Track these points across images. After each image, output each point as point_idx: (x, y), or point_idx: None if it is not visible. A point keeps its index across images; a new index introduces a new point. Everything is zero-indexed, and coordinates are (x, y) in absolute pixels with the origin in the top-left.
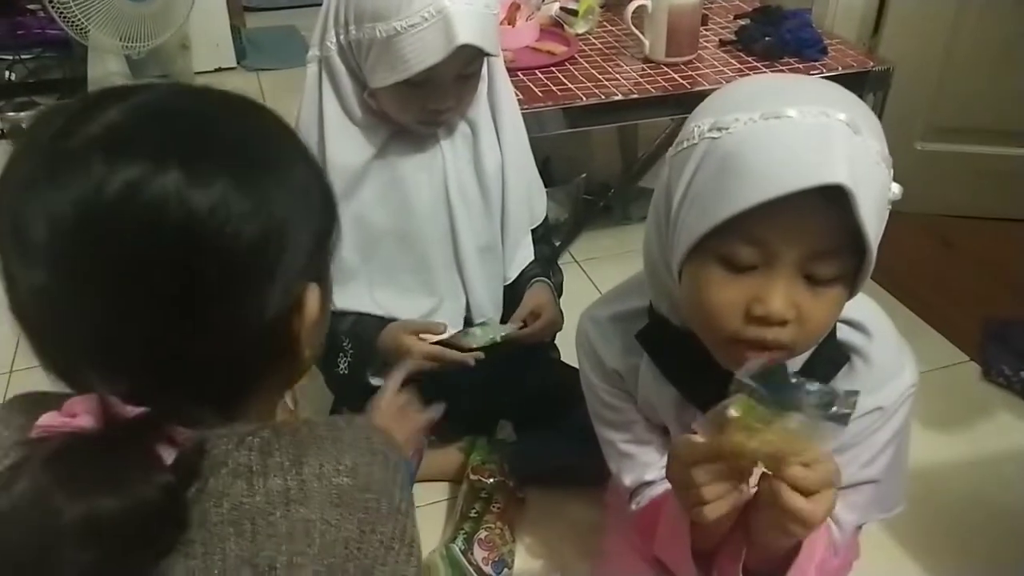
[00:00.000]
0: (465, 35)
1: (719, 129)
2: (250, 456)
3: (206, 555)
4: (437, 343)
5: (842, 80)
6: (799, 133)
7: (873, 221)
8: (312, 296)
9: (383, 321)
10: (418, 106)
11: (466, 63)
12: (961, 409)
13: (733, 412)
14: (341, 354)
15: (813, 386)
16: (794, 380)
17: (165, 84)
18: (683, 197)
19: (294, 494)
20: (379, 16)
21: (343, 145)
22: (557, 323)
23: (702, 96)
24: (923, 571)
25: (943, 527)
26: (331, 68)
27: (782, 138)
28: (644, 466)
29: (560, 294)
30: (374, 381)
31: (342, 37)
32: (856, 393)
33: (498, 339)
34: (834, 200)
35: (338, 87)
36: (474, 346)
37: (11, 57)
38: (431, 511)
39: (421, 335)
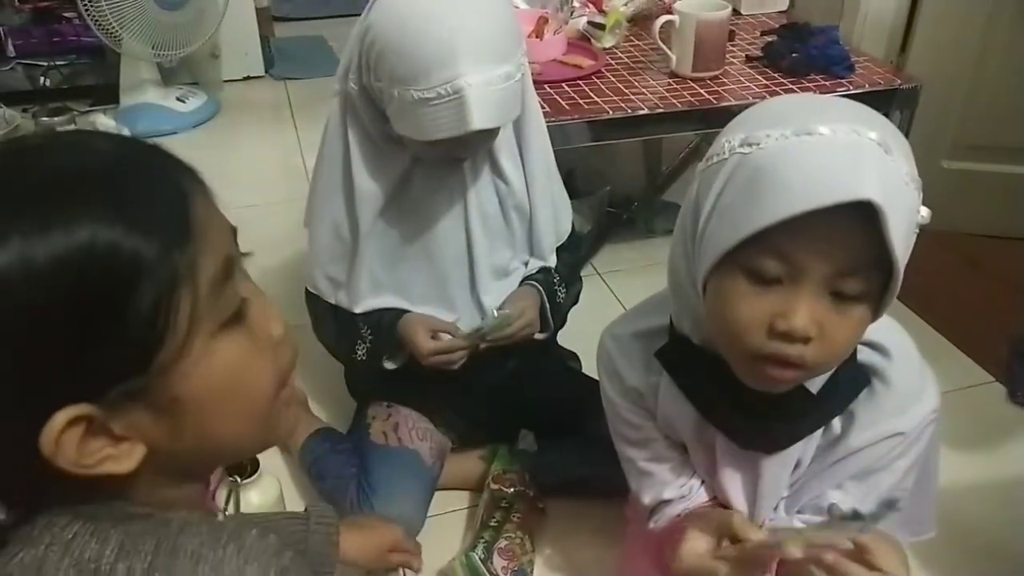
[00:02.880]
0: (480, 121)
1: (750, 144)
2: (103, 551)
3: None
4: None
5: (869, 97)
6: (831, 150)
7: (901, 241)
8: (59, 420)
9: (401, 311)
10: (440, 153)
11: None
12: (985, 430)
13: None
14: (360, 341)
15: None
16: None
17: None
18: (712, 210)
19: None
20: (398, 79)
21: (367, 170)
22: (533, 325)
23: (728, 111)
24: None
25: (966, 550)
26: (354, 103)
27: (814, 154)
28: (663, 484)
29: (575, 303)
30: (388, 365)
31: (364, 80)
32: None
33: (497, 325)
34: (863, 218)
35: (361, 119)
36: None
37: (46, 63)
38: (451, 519)
39: (436, 333)
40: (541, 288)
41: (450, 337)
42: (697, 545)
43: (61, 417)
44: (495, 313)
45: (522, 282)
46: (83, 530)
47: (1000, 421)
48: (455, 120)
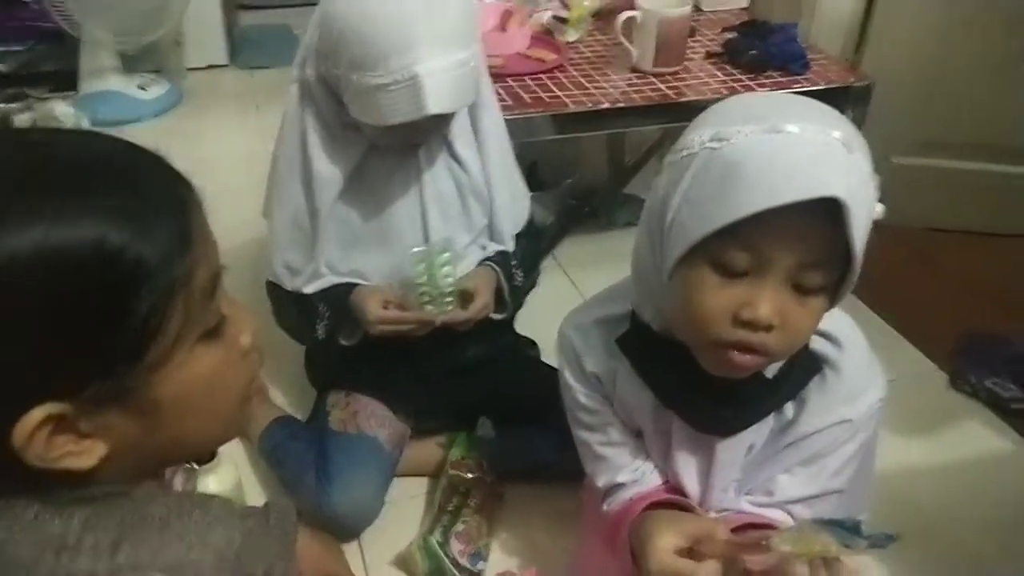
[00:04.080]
0: (435, 105)
1: (720, 140)
2: (68, 527)
3: None
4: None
5: (823, 94)
6: (800, 147)
7: (862, 235)
8: (35, 417)
9: (354, 284)
10: (396, 138)
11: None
12: (928, 417)
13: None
14: (319, 319)
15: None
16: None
17: None
18: (681, 203)
19: None
20: (356, 66)
21: (324, 156)
22: (488, 306)
23: (688, 106)
24: (885, 573)
25: (908, 531)
26: (311, 90)
27: (784, 151)
28: (617, 468)
29: (532, 287)
30: (344, 342)
31: (322, 68)
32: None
33: (448, 304)
34: (827, 214)
35: (318, 106)
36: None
37: (3, 48)
38: (410, 504)
39: (387, 303)
40: (498, 269)
41: (398, 309)
42: (667, 542)
43: (38, 413)
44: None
45: (479, 264)
46: (44, 510)
47: (942, 408)
48: (411, 105)
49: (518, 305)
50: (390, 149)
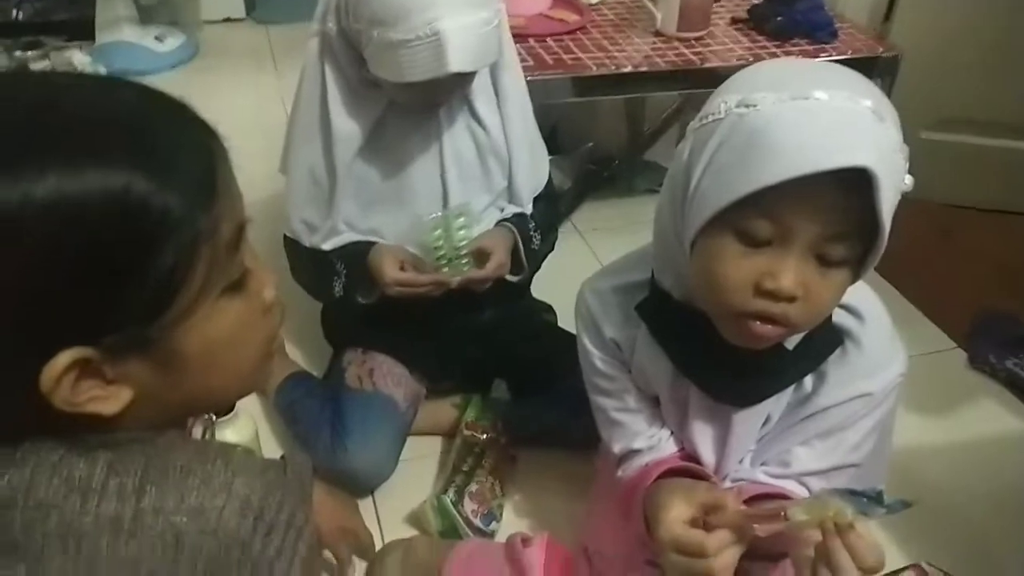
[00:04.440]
0: (457, 63)
1: (747, 106)
2: (93, 470)
3: (29, 573)
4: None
5: (851, 64)
6: (828, 115)
7: (889, 207)
8: (62, 361)
9: (373, 243)
10: (416, 97)
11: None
12: (945, 394)
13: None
14: (336, 277)
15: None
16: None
17: None
18: (705, 169)
19: (126, 524)
20: (377, 22)
21: (345, 112)
22: (504, 266)
23: (711, 72)
24: (899, 548)
25: (921, 506)
26: (331, 44)
27: (812, 119)
28: (633, 434)
29: (550, 250)
30: (361, 300)
31: (343, 23)
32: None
33: (464, 267)
34: (854, 184)
35: (338, 61)
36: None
37: None
38: (424, 463)
39: (404, 264)
40: (515, 230)
41: (414, 271)
42: (679, 513)
43: (65, 357)
44: (450, 212)
45: (496, 225)
46: (69, 453)
47: (959, 386)
48: (433, 62)
49: (535, 268)
50: (410, 109)
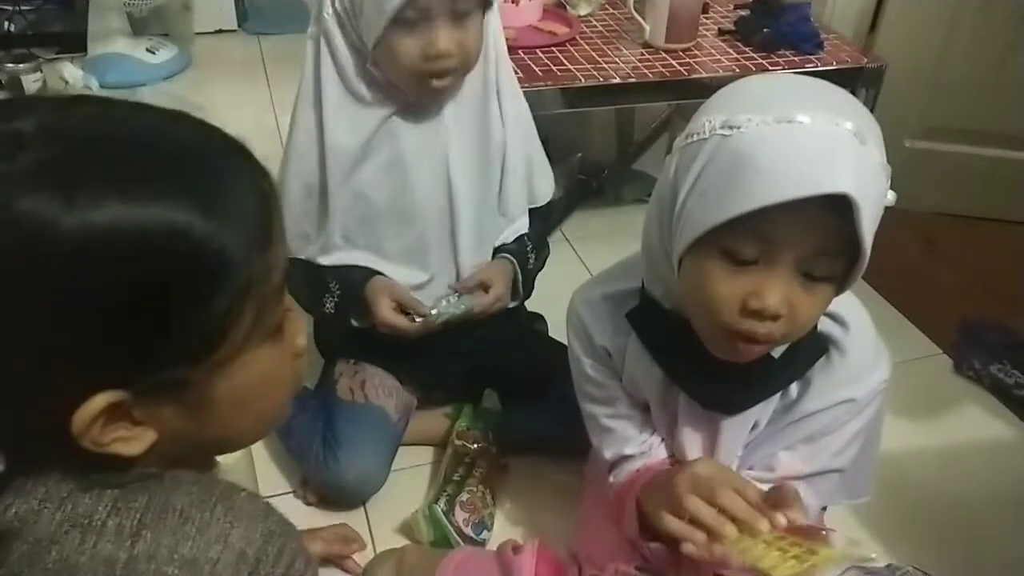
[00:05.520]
0: None
1: (731, 127)
2: (96, 506)
3: None
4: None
5: (836, 75)
6: (811, 140)
7: (870, 228)
8: (97, 404)
9: (372, 271)
10: (417, 54)
11: None
12: (931, 401)
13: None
14: (328, 295)
15: None
16: None
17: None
18: (691, 190)
19: (119, 570)
20: None
21: (343, 125)
22: (503, 300)
23: (699, 83)
24: (884, 552)
25: (906, 511)
26: (331, 43)
27: (795, 143)
28: (624, 440)
29: (542, 267)
30: (355, 323)
31: (337, 3)
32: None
33: (458, 312)
34: (837, 205)
35: (338, 63)
36: (434, 316)
37: (11, 8)
38: (415, 473)
39: (400, 305)
40: (515, 260)
41: (408, 317)
42: (708, 468)
43: (101, 400)
44: (456, 298)
45: (496, 252)
46: (78, 488)
47: (944, 392)
48: None
49: (530, 289)
50: (415, 113)
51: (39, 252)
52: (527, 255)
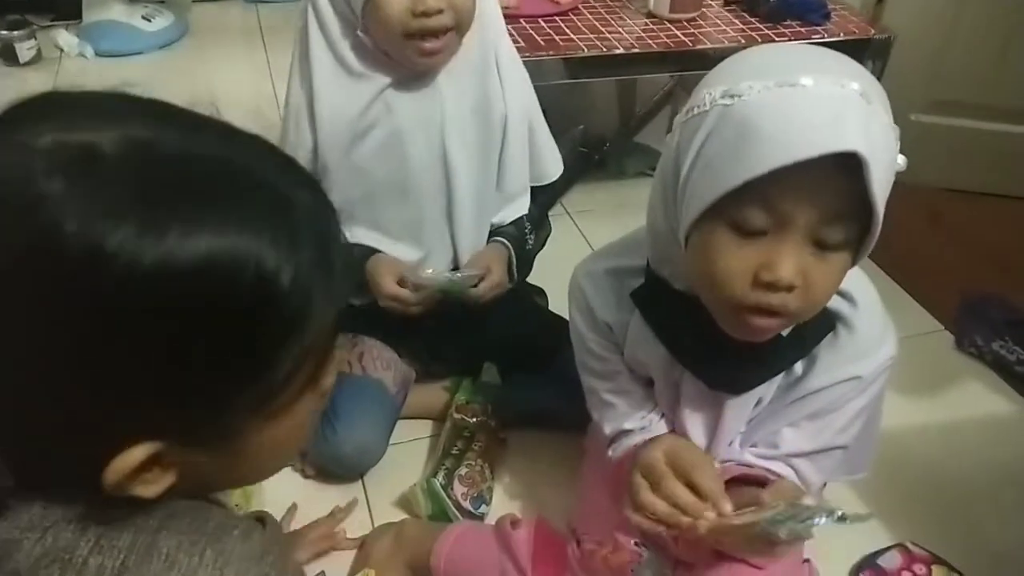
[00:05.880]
0: None
1: (732, 96)
2: (78, 542)
3: None
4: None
5: (843, 47)
6: (815, 101)
7: (882, 190)
8: (136, 456)
9: (372, 249)
10: (407, 11)
11: None
12: (933, 377)
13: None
14: None
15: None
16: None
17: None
18: (694, 162)
19: None
20: None
21: (335, 98)
22: (501, 286)
23: (704, 55)
24: (884, 528)
25: (907, 487)
26: (320, 15)
27: (798, 105)
28: (624, 415)
29: (542, 247)
30: (353, 301)
31: None
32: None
33: (456, 283)
34: (846, 167)
35: (329, 35)
36: (434, 284)
37: None
38: (414, 447)
39: (403, 279)
40: (510, 244)
41: (411, 289)
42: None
43: (141, 451)
44: (459, 275)
45: (492, 236)
46: (63, 519)
47: (946, 368)
48: None
49: (528, 268)
50: (411, 86)
51: (111, 286)
52: (525, 238)
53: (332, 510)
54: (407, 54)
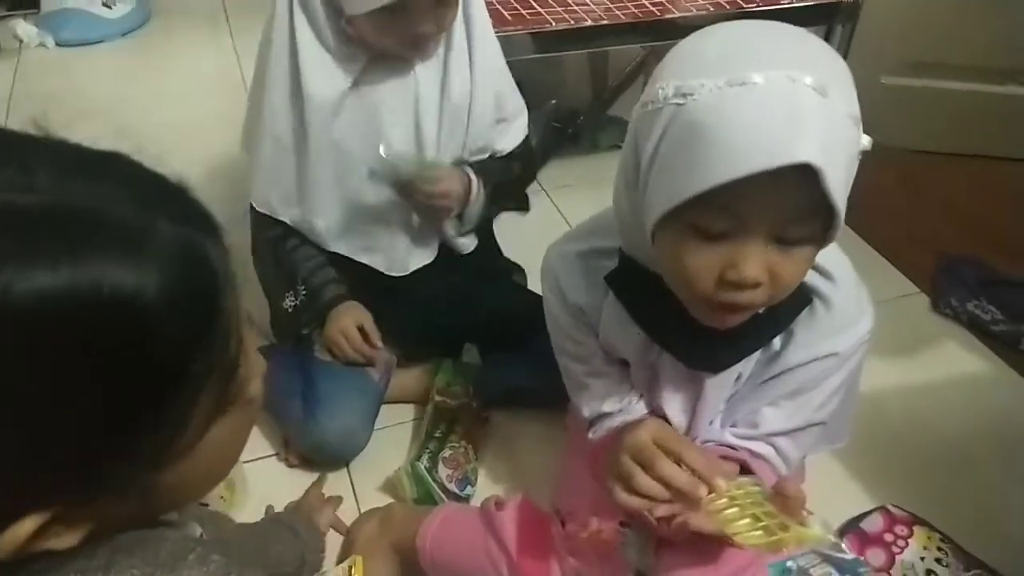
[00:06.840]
0: None
1: (684, 95)
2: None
3: None
4: None
5: (812, 11)
6: (766, 105)
7: (841, 188)
8: (27, 528)
9: (343, 296)
10: (397, 32)
11: None
12: (910, 339)
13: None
14: (292, 293)
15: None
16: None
17: None
18: (651, 162)
19: None
20: None
21: (319, 77)
22: (451, 200)
23: (673, 24)
24: (865, 491)
25: (886, 450)
26: (304, 2)
27: (749, 111)
28: (602, 398)
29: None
30: (304, 331)
31: None
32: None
33: (406, 164)
34: (804, 172)
35: (312, 16)
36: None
37: None
38: (397, 431)
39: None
40: (472, 173)
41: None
42: (657, 431)
43: (28, 525)
44: (429, 159)
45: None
46: None
47: (923, 330)
48: None
49: (515, 197)
50: (387, 64)
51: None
52: (497, 165)
53: (317, 478)
54: (389, 50)
